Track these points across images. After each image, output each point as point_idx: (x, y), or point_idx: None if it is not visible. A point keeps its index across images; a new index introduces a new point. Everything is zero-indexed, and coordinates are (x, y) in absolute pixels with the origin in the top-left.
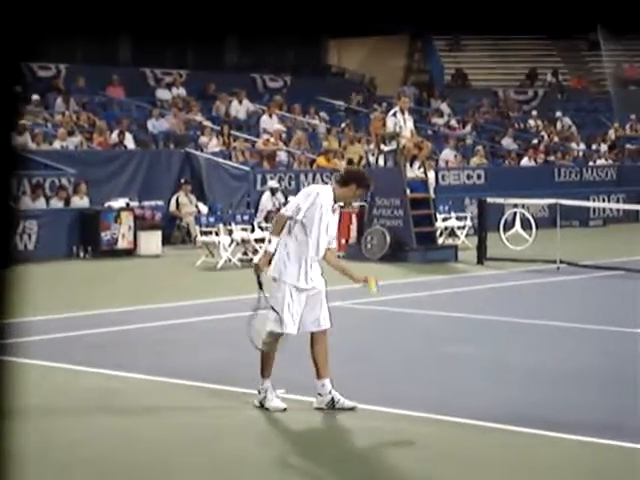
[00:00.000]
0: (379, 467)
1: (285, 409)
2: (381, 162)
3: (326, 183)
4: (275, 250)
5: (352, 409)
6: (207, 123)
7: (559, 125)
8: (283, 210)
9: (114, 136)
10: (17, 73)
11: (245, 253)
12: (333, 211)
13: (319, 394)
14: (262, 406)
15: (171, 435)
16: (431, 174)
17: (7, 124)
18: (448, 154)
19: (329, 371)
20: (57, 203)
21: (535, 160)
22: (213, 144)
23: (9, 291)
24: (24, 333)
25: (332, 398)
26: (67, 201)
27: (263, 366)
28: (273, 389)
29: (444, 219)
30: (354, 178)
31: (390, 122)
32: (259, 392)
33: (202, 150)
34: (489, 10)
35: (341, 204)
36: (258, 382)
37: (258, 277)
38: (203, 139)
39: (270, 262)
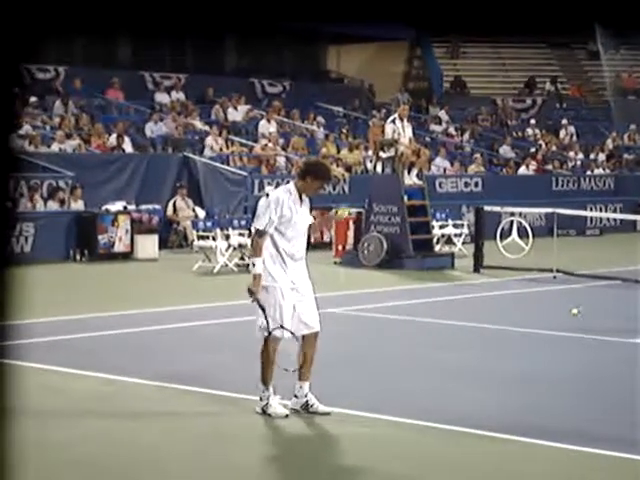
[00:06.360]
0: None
1: (287, 415)
2: (379, 169)
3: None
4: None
5: (327, 414)
6: (205, 127)
7: (562, 133)
8: (257, 227)
9: (112, 139)
10: (16, 75)
11: (242, 258)
12: (302, 203)
13: (295, 395)
14: (264, 412)
15: (164, 439)
16: None
17: (6, 126)
18: (440, 162)
19: (310, 375)
20: (54, 206)
21: (534, 168)
22: (211, 148)
23: (5, 293)
24: (18, 335)
25: (307, 401)
26: (63, 204)
27: (264, 373)
28: (274, 395)
29: (441, 226)
30: (309, 171)
31: (389, 129)
32: (261, 399)
33: (200, 154)
34: (489, 16)
35: (306, 196)
36: (259, 389)
37: (257, 302)
38: (205, 142)
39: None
